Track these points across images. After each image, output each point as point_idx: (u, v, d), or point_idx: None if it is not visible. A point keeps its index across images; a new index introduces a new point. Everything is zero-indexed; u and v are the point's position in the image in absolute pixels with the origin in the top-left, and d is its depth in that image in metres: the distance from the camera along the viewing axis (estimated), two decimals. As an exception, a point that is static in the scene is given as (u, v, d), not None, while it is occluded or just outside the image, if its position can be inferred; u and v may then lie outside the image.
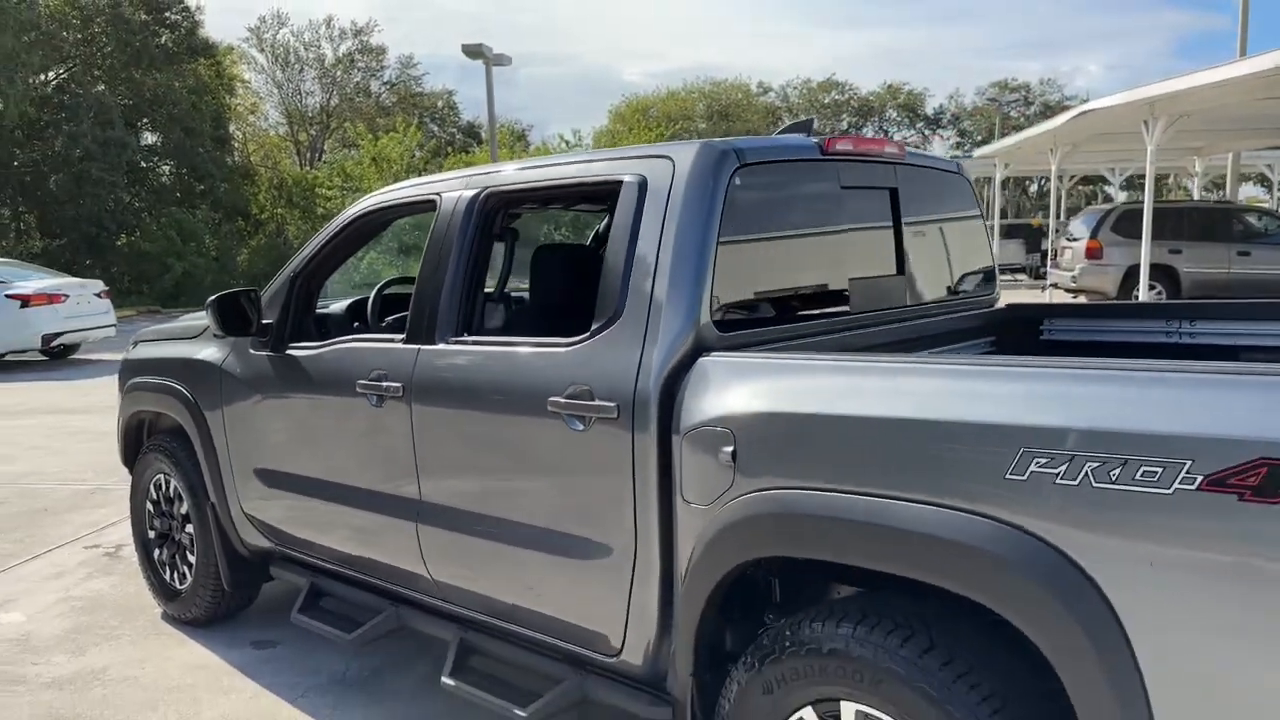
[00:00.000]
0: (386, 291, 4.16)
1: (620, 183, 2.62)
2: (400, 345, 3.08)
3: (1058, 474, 1.70)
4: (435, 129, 50.92)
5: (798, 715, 2.13)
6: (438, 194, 3.19)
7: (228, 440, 3.80)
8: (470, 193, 3.06)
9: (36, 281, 13.37)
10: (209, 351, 3.89)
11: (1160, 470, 1.60)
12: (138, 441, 4.48)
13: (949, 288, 3.37)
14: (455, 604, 3.06)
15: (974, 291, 3.46)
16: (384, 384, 3.05)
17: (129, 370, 4.44)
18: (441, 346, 2.95)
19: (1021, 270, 25.11)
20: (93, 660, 3.93)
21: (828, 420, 2.08)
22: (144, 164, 28.86)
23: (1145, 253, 13.76)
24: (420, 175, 25.36)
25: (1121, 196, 38.12)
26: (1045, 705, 1.80)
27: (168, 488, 4.22)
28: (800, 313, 2.76)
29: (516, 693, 2.80)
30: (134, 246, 25.47)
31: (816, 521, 2.05)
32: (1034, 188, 53.72)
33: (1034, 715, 1.80)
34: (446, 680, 2.96)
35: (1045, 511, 1.72)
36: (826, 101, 59.55)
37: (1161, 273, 15.04)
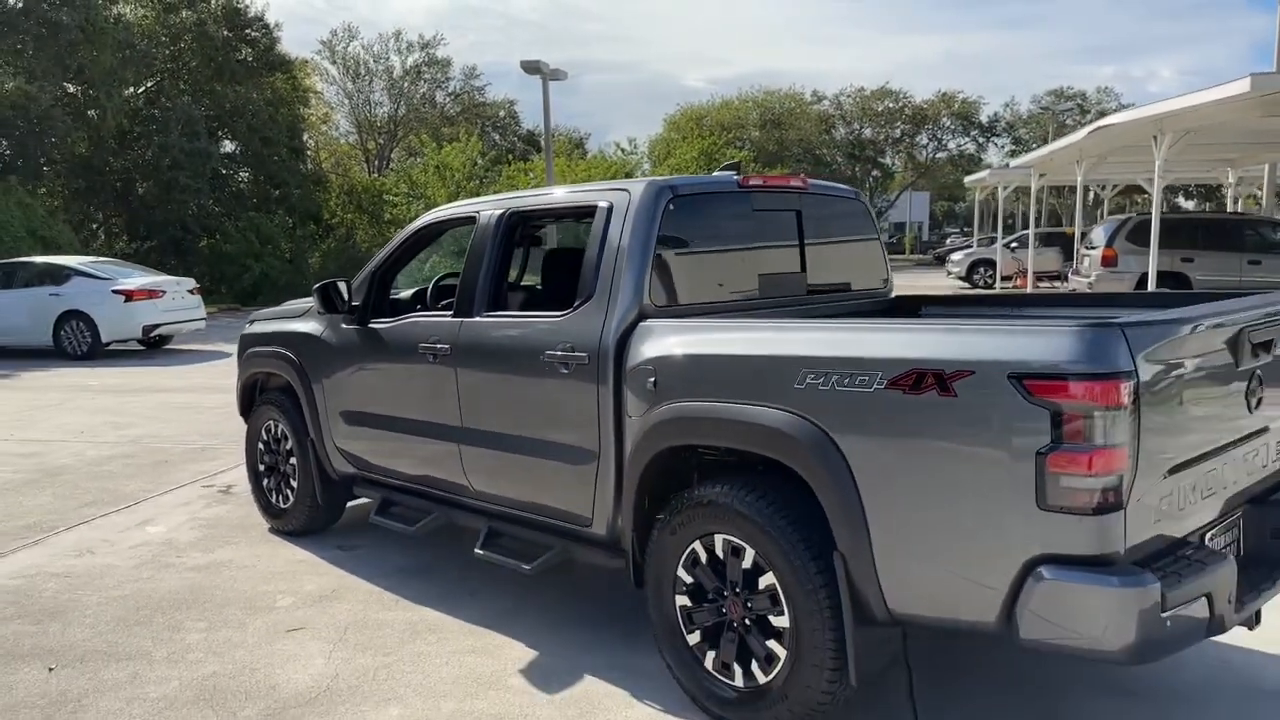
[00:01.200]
0: (441, 283, 5.48)
1: (595, 206, 3.88)
2: (449, 318, 4.38)
3: (818, 383, 2.92)
4: (496, 137, 52.78)
5: (690, 547, 3.36)
6: (477, 212, 4.49)
7: (324, 391, 5.14)
8: (498, 211, 4.35)
9: (138, 279, 15.04)
10: (310, 326, 5.24)
11: (866, 378, 2.81)
12: (252, 397, 5.85)
13: (845, 284, 4.56)
14: (487, 503, 4.33)
15: (868, 287, 4.65)
16: (437, 346, 4.35)
17: (247, 342, 5.82)
18: (477, 319, 4.24)
19: (1057, 277, 25.80)
20: (219, 556, 5.29)
21: (706, 359, 3.32)
22: (224, 171, 30.84)
23: (1153, 261, 14.64)
24: (480, 182, 26.79)
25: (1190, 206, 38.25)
26: (816, 520, 3.00)
27: (276, 430, 5.57)
28: (717, 296, 3.98)
29: (524, 556, 4.07)
30: (215, 249, 27.35)
31: (699, 420, 3.29)
32: (1090, 196, 53.87)
33: (811, 526, 3.01)
34: (478, 551, 4.24)
35: (811, 405, 2.93)
36: (880, 109, 60.12)
37: (1174, 280, 15.82)
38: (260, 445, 5.73)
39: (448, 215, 4.78)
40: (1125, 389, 2.46)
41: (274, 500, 5.69)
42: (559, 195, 4.25)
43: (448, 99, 50.57)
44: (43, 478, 7.11)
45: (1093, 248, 17.44)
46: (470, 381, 4.24)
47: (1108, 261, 16.66)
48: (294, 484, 5.48)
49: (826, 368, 2.92)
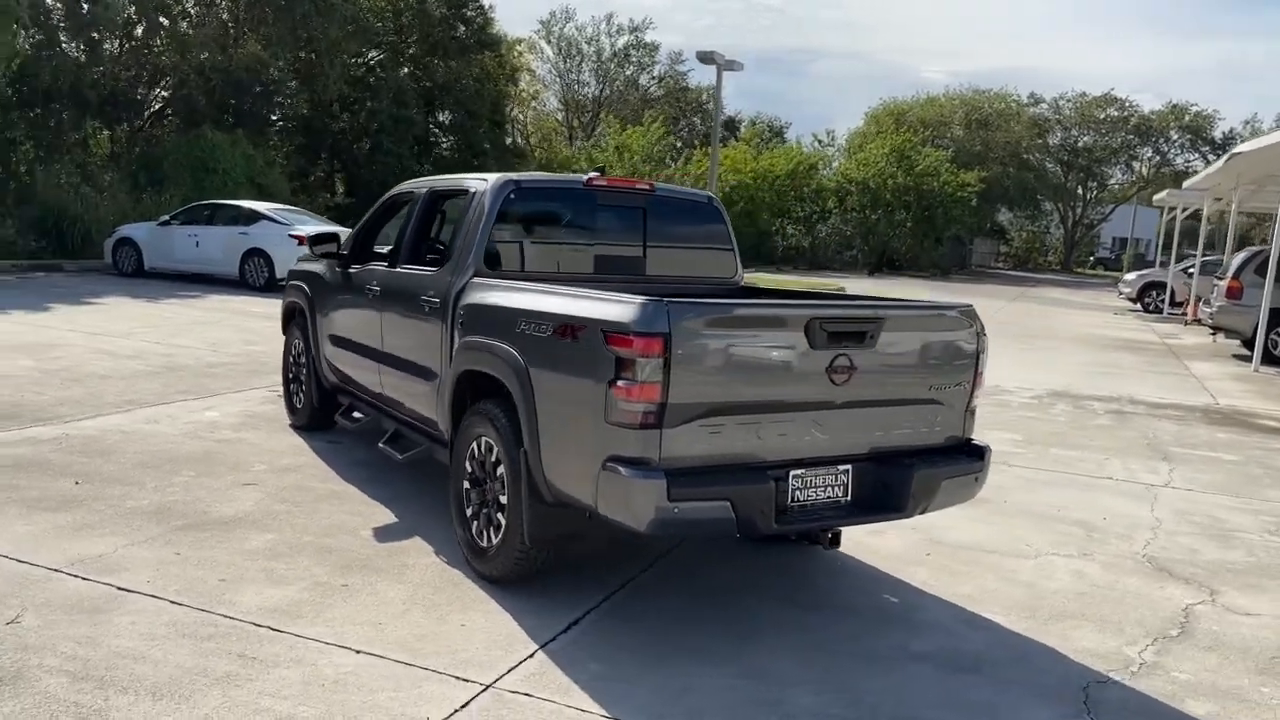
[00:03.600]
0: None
1: (466, 190, 5.16)
2: (383, 268, 5.78)
3: (526, 329, 4.09)
4: (698, 121, 54.36)
5: (471, 445, 4.59)
6: (415, 189, 5.85)
7: (320, 318, 6.68)
8: (424, 189, 5.69)
9: (311, 226, 17.48)
10: (318, 267, 6.79)
11: (545, 325, 3.97)
12: (289, 319, 7.51)
13: (690, 272, 5.60)
14: (393, 410, 5.72)
15: (716, 276, 5.67)
16: (374, 287, 5.76)
17: (289, 276, 7.48)
18: (396, 269, 5.61)
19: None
20: (240, 435, 6.96)
21: (485, 307, 4.54)
22: (431, 139, 33.91)
23: (1267, 294, 14.26)
24: (656, 164, 28.26)
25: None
26: (519, 427, 4.17)
27: (297, 348, 7.20)
28: (548, 269, 5.16)
29: (403, 449, 5.43)
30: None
31: (471, 350, 4.53)
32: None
33: (517, 431, 4.17)
34: (380, 445, 5.64)
35: (520, 343, 4.12)
36: (1101, 118, 57.20)
37: (1292, 318, 15.19)
38: (289, 357, 7.38)
39: (405, 190, 6.18)
40: (659, 344, 3.51)
41: (293, 402, 7.33)
42: (451, 181, 5.57)
43: (652, 82, 52.52)
44: (164, 372, 9.14)
45: (1223, 277, 16.90)
46: (386, 315, 5.63)
47: (1232, 294, 16.18)
48: (305, 390, 7.10)
49: (531, 318, 4.10)
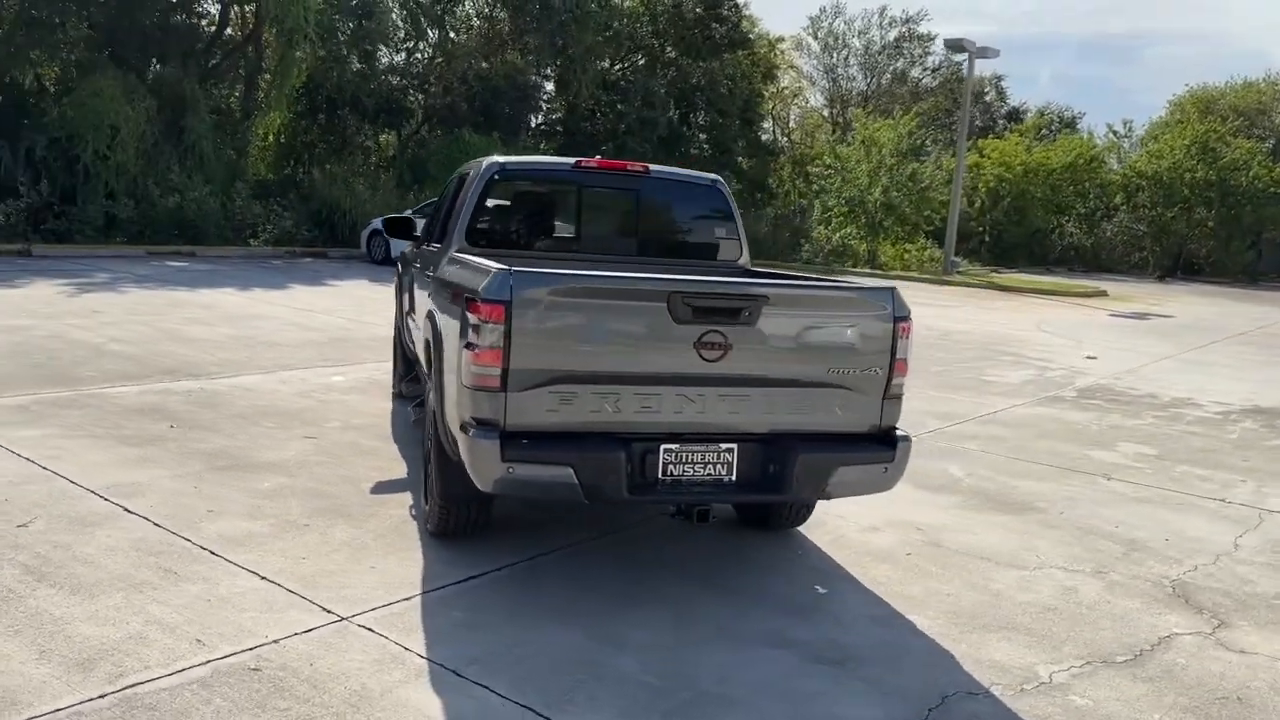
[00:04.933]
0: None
1: (465, 175, 5.52)
2: (426, 246, 6.29)
3: (444, 298, 4.41)
4: (976, 113, 51.77)
5: (427, 404, 4.97)
6: (456, 174, 6.30)
7: (401, 294, 7.33)
8: (456, 175, 6.12)
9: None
10: (408, 246, 7.46)
11: (448, 294, 4.26)
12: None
13: (687, 250, 5.63)
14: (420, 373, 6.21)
15: (716, 257, 5.65)
16: (418, 263, 6.29)
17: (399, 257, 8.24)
18: (425, 247, 6.10)
19: None
20: (344, 398, 7.76)
21: (442, 279, 4.88)
22: (680, 138, 34.76)
23: None
24: (902, 160, 27.46)
25: None
26: None
27: (396, 322, 7.93)
28: (530, 243, 5.40)
29: (418, 411, 5.90)
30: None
31: (428, 317, 4.89)
32: None
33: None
34: (410, 407, 6.16)
35: (439, 311, 4.44)
36: None
37: None
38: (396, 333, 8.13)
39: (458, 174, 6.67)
40: (501, 311, 3.69)
41: (395, 370, 8.08)
42: (469, 165, 5.94)
43: (925, 74, 50.55)
44: (330, 343, 10.28)
45: None
46: (414, 288, 6.13)
47: None
48: (394, 359, 7.81)
49: (447, 288, 4.41)
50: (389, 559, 4.51)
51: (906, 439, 4.23)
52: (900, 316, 4.16)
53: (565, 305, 3.81)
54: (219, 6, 24.67)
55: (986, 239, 39.29)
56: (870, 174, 31.61)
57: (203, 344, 9.63)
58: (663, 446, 3.94)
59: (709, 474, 4.01)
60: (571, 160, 5.44)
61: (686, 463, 3.98)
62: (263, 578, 4.19)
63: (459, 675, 3.47)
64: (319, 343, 10.26)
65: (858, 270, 29.62)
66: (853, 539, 5.23)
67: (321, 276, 17.32)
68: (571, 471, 3.76)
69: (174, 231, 20.40)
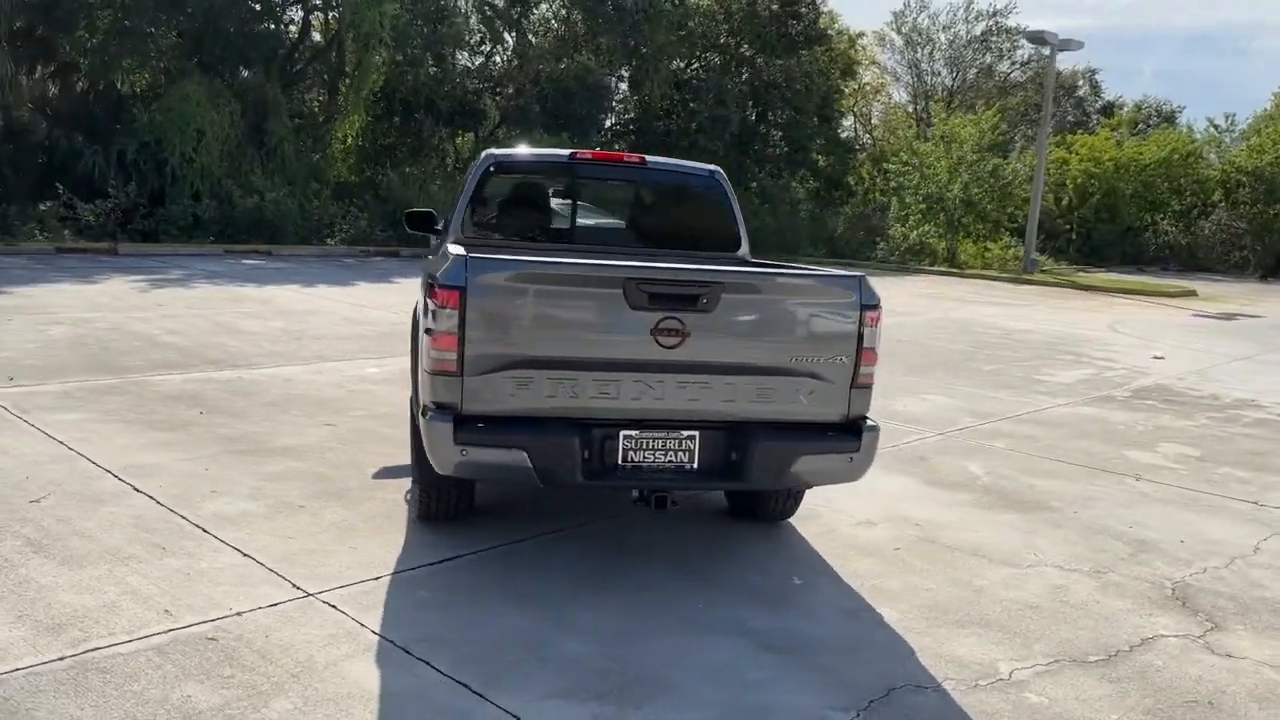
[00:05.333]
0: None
1: (472, 168, 5.62)
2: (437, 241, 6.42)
3: (423, 282, 4.49)
4: (1069, 107, 50.32)
5: (416, 393, 5.09)
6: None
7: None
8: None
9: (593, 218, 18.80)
10: (434, 238, 7.61)
11: (429, 278, 4.34)
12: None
13: (684, 240, 5.62)
14: None
15: (715, 249, 5.62)
16: (429, 256, 6.42)
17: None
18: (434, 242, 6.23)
19: None
20: (377, 388, 7.95)
21: (427, 270, 4.98)
22: (754, 135, 34.57)
23: None
24: (987, 154, 26.83)
25: None
26: None
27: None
28: (524, 231, 5.46)
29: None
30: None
31: (426, 276, 5.00)
32: None
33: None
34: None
35: (422, 291, 4.52)
36: None
37: None
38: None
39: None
40: (456, 297, 3.76)
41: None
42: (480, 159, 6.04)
43: (1014, 68, 49.22)
44: (374, 337, 10.55)
45: None
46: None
47: None
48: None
49: (426, 274, 4.49)
50: (373, 540, 4.63)
51: (874, 429, 4.17)
52: (868, 305, 4.10)
53: (521, 291, 3.87)
54: (301, 14, 25.48)
55: (1074, 237, 38.09)
56: (950, 170, 30.93)
57: (253, 336, 9.99)
58: (623, 433, 3.96)
59: (670, 461, 4.02)
60: (567, 152, 5.50)
61: (647, 449, 3.99)
62: (245, 555, 4.35)
63: (406, 652, 3.55)
64: (366, 336, 10.54)
65: (935, 269, 29.04)
66: (844, 533, 5.16)
67: (388, 274, 17.75)
68: (525, 456, 3.81)
69: (253, 231, 21.14)
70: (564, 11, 30.77)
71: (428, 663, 3.48)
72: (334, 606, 3.89)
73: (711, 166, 5.74)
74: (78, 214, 19.14)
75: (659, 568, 4.56)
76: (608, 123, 31.56)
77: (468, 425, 3.81)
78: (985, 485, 6.22)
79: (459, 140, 29.16)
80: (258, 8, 23.83)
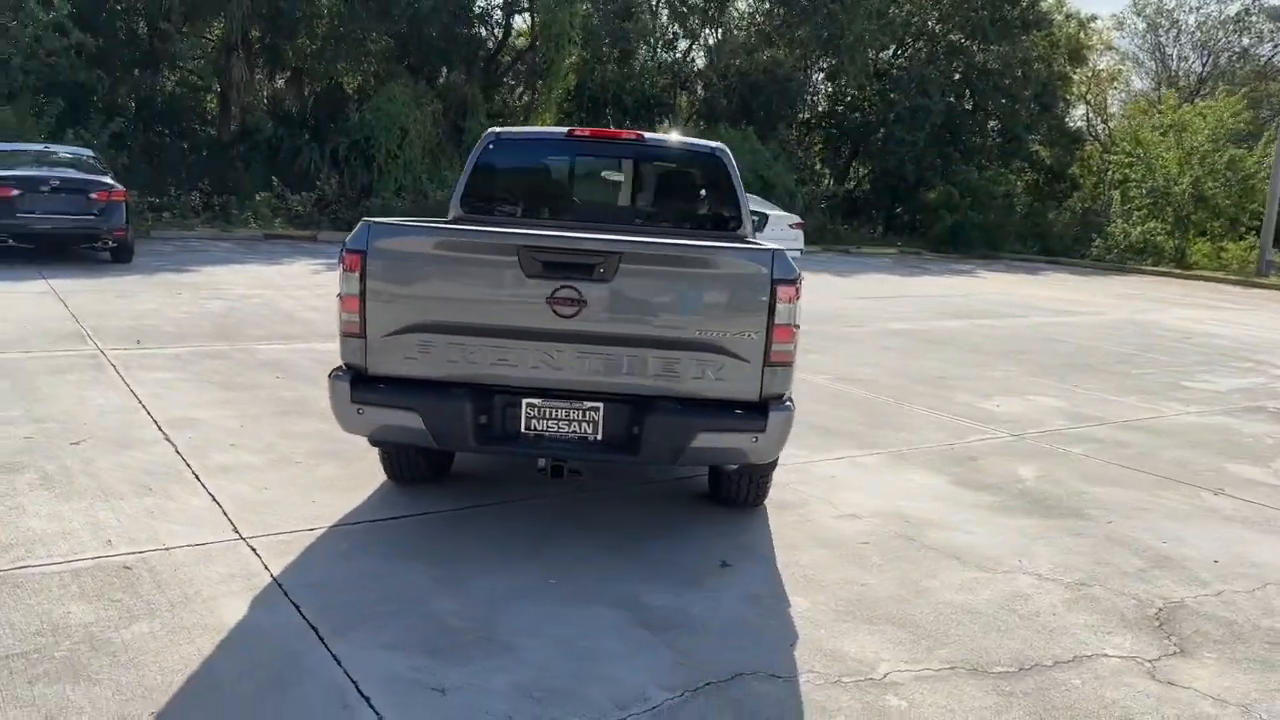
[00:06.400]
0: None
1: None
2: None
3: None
4: (1347, 94, 44.59)
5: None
6: None
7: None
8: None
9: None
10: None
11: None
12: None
13: (685, 216, 5.51)
14: None
15: (715, 225, 5.49)
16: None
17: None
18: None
19: None
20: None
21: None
22: (960, 126, 32.94)
23: None
24: (1224, 145, 24.46)
25: None
26: None
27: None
28: (526, 212, 5.54)
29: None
30: (919, 196, 30.05)
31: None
32: None
33: None
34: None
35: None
36: None
37: None
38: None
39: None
40: (357, 260, 3.91)
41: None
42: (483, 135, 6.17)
43: (1277, 51, 44.14)
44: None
45: None
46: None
47: None
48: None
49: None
50: (340, 497, 4.88)
51: (784, 410, 3.96)
52: (782, 279, 3.90)
53: (419, 257, 3.97)
54: (504, 17, 26.79)
55: (1337, 237, 33.71)
56: (1179, 162, 28.22)
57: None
58: (525, 401, 3.99)
59: (573, 431, 4.01)
60: (565, 129, 5.54)
61: (550, 419, 4.00)
62: (214, 500, 4.71)
63: (285, 595, 3.75)
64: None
65: (1155, 270, 26.64)
66: (820, 523, 4.93)
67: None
68: (419, 417, 3.92)
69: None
70: (760, 5, 30.61)
71: (297, 606, 3.66)
72: (254, 550, 4.15)
73: (714, 144, 5.60)
74: (288, 204, 21.06)
75: (606, 542, 4.51)
76: (800, 115, 31.04)
77: (366, 385, 3.97)
78: (1024, 489, 5.72)
79: (650, 135, 29.60)
80: (463, 12, 25.25)
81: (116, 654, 3.24)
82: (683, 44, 29.03)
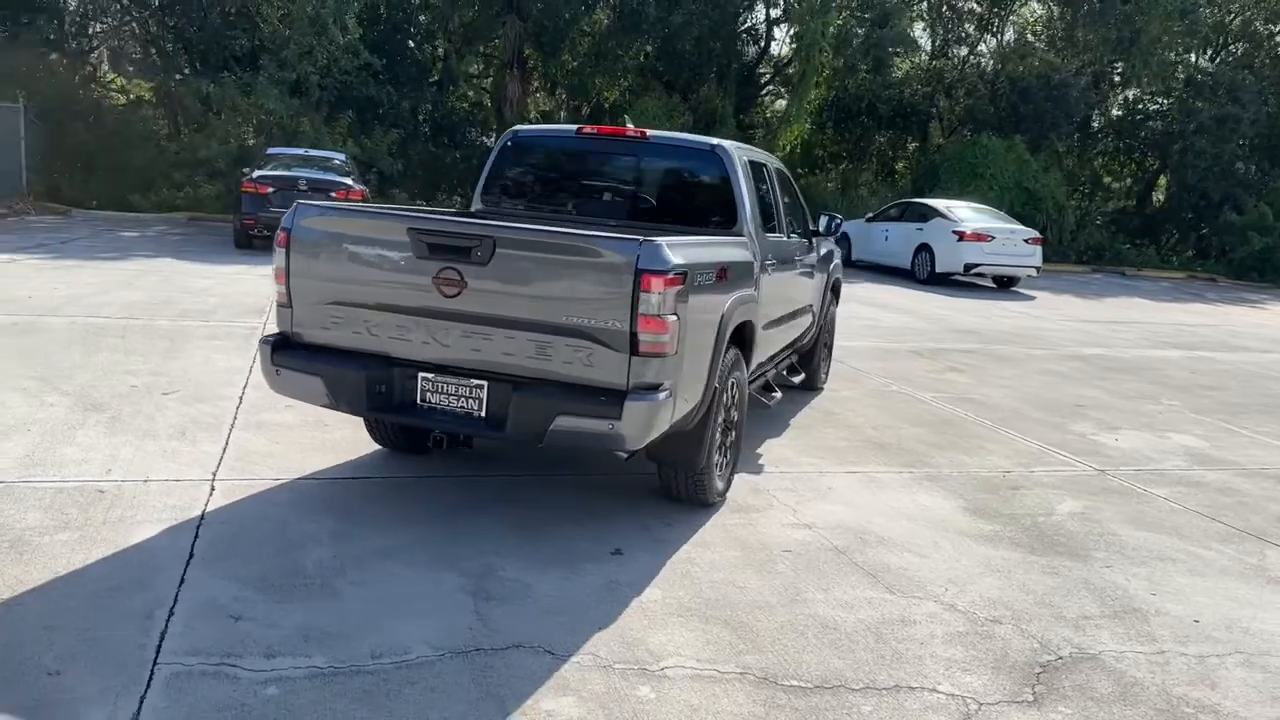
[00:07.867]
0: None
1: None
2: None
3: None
4: None
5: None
6: None
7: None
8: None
9: (980, 223, 17.58)
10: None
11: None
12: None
13: (687, 212, 5.49)
14: None
15: (712, 222, 5.43)
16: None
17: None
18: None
19: None
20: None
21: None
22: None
23: None
24: None
25: None
26: None
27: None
28: (538, 207, 5.78)
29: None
30: (1226, 218, 26.61)
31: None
32: None
33: None
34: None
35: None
36: None
37: None
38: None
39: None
40: (285, 237, 4.36)
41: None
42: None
43: None
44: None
45: None
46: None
47: None
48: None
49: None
50: (330, 454, 5.40)
51: (645, 399, 3.94)
52: (648, 270, 3.89)
53: (332, 236, 4.36)
54: (765, 30, 27.03)
55: None
56: None
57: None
58: (420, 374, 4.27)
59: (461, 406, 4.23)
60: (574, 127, 5.74)
61: (441, 393, 4.25)
62: (225, 447, 5.39)
63: (197, 527, 4.28)
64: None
65: None
66: (761, 528, 4.79)
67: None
68: (321, 382, 4.31)
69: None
70: (1046, 8, 28.62)
71: (196, 537, 4.17)
72: (213, 490, 4.74)
73: (715, 141, 5.53)
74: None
75: (519, 520, 4.66)
76: (1088, 124, 28.57)
77: (286, 351, 4.42)
78: (1037, 524, 5.19)
79: (912, 145, 28.63)
80: (718, 27, 25.79)
81: (23, 551, 3.89)
82: (955, 50, 27.76)
